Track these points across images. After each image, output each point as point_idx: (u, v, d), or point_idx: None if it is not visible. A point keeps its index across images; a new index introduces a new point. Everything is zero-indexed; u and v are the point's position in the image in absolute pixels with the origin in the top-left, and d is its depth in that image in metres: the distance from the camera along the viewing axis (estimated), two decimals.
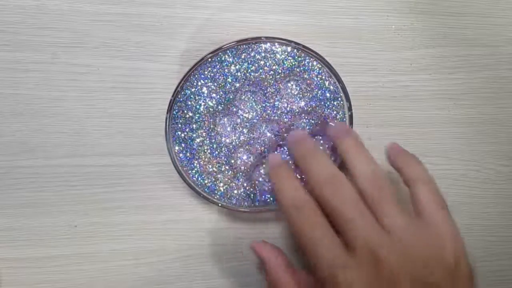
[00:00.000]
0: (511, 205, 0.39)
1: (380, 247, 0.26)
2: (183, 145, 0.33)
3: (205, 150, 0.33)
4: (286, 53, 0.32)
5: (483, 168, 0.38)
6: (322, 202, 0.28)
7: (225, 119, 0.33)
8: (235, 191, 0.34)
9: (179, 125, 0.33)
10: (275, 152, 0.33)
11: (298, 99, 0.33)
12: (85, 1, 0.33)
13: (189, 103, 0.33)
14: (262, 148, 0.33)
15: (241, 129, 0.33)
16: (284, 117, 0.33)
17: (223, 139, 0.33)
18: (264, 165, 0.33)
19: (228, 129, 0.33)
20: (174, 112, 0.32)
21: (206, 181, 0.33)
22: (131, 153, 0.35)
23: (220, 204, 0.33)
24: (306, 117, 0.33)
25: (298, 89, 0.33)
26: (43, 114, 0.34)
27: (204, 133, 0.33)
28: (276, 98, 0.33)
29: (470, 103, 0.38)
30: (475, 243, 0.39)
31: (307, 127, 0.33)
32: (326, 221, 0.28)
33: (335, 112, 0.33)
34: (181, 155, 0.33)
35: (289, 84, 0.33)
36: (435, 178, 0.38)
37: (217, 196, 0.34)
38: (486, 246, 0.39)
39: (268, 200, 0.33)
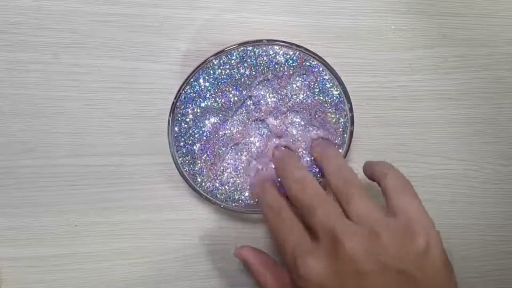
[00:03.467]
0: (510, 204, 0.39)
1: (340, 233, 0.26)
2: (185, 147, 0.33)
3: (207, 152, 0.33)
4: (288, 56, 0.32)
5: (482, 168, 0.39)
6: (293, 200, 0.29)
7: (227, 122, 0.33)
8: (237, 194, 0.34)
9: (181, 127, 0.33)
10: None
11: (301, 102, 0.33)
12: (85, 1, 0.33)
13: (191, 105, 0.32)
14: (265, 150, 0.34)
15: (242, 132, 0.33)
16: (288, 124, 0.33)
17: (225, 141, 0.33)
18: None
19: (230, 132, 0.33)
20: (176, 113, 0.32)
21: (207, 183, 0.33)
22: (131, 153, 0.35)
23: (222, 206, 0.34)
24: (311, 128, 0.34)
25: (300, 91, 0.33)
26: (43, 114, 0.34)
27: (206, 135, 0.33)
28: (278, 102, 0.33)
29: (469, 103, 0.38)
30: (474, 242, 0.39)
31: (314, 131, 0.33)
32: (295, 217, 0.29)
33: (337, 116, 0.33)
34: (183, 157, 0.33)
35: (291, 87, 0.33)
36: (434, 177, 0.38)
37: (219, 197, 0.34)
38: (485, 245, 0.39)
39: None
